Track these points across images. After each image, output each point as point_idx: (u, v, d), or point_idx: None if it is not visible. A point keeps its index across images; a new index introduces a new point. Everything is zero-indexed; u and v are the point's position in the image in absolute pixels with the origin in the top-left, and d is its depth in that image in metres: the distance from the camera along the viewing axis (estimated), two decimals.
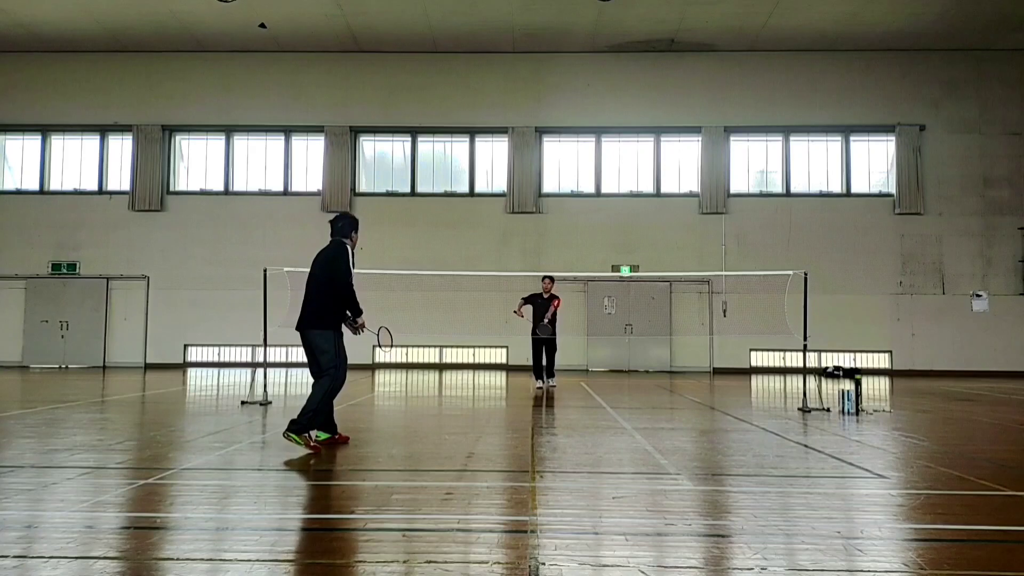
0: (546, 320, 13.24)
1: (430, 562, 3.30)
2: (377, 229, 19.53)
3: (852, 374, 10.36)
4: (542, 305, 13.44)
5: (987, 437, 7.84)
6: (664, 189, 19.80)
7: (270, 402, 10.05)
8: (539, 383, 13.27)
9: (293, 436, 6.05)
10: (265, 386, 10.24)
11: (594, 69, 19.70)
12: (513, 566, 3.26)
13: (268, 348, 10.73)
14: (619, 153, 20.02)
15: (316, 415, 6.17)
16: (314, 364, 6.30)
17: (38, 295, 19.63)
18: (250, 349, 19.21)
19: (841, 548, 3.58)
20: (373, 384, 14.31)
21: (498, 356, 19.46)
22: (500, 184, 19.91)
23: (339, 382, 6.37)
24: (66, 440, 6.74)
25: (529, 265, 18.82)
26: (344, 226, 6.61)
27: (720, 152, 19.51)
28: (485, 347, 19.40)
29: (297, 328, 6.36)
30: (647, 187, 19.84)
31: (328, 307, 6.27)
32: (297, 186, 20.16)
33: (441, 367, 19.33)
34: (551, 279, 13.78)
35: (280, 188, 20.12)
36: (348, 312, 6.34)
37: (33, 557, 3.33)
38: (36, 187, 20.27)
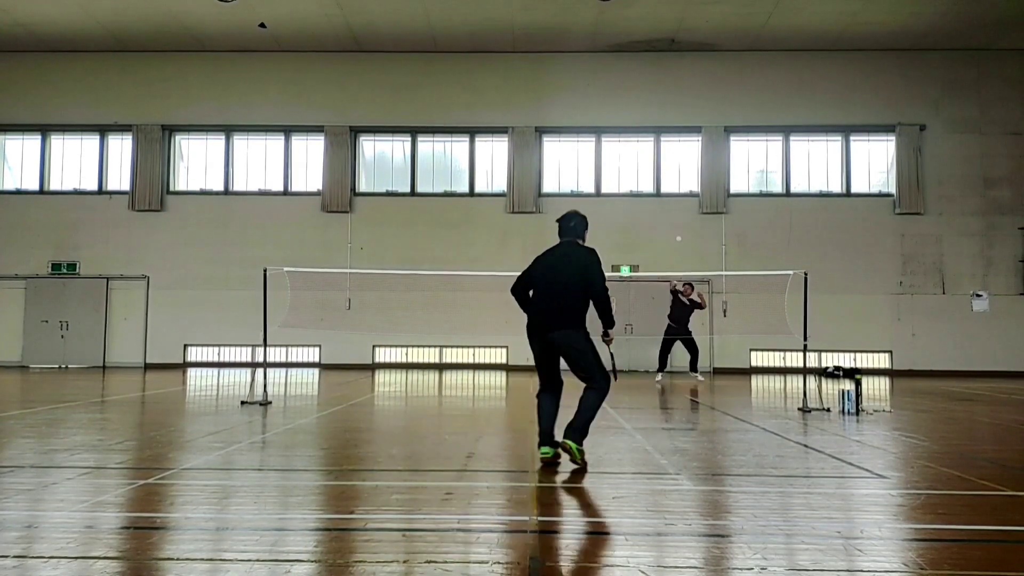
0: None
1: (430, 562, 3.30)
2: (377, 229, 19.57)
3: (852, 374, 10.36)
4: (679, 305, 14.93)
5: (987, 437, 7.84)
6: (664, 189, 19.79)
7: (270, 402, 10.04)
8: (659, 376, 14.72)
9: (572, 445, 5.46)
10: (265, 386, 10.23)
11: (594, 69, 19.69)
12: (513, 566, 3.26)
13: (268, 348, 10.72)
14: (619, 153, 20.01)
15: (590, 423, 5.63)
16: (580, 368, 5.76)
17: (38, 295, 19.62)
18: (250, 349, 19.18)
19: (841, 548, 3.58)
20: (373, 384, 14.31)
21: (498, 356, 19.46)
22: (500, 184, 19.90)
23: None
24: (66, 440, 6.73)
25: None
26: (577, 225, 6.26)
27: (720, 152, 19.50)
28: (485, 347, 19.40)
29: (546, 332, 5.76)
30: (647, 187, 19.83)
31: (582, 309, 5.83)
32: (297, 186, 20.15)
33: (441, 367, 19.33)
34: (691, 285, 15.22)
35: (280, 188, 20.11)
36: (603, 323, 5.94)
37: (33, 557, 3.33)
38: (36, 187, 20.26)
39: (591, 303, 5.83)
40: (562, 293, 5.78)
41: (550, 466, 5.58)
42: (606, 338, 6.00)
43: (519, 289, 6.06)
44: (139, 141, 19.76)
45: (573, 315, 5.74)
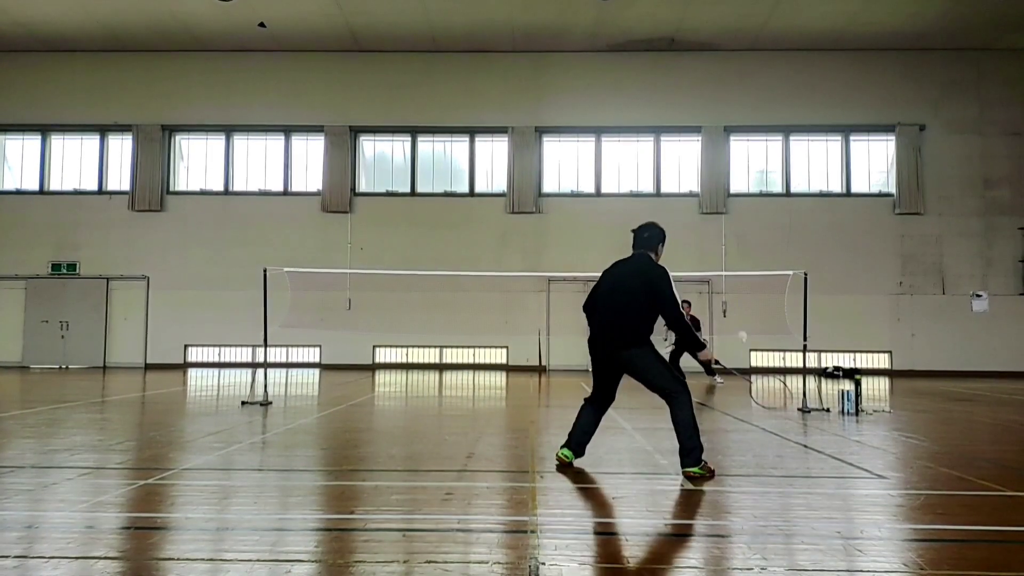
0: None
1: (430, 562, 3.30)
2: (377, 229, 19.57)
3: (852, 374, 10.36)
4: None
5: (987, 437, 7.84)
6: (664, 189, 19.80)
7: (270, 402, 10.05)
8: None
9: (692, 471, 5.21)
10: (265, 386, 10.24)
11: (594, 68, 19.69)
12: (513, 566, 3.26)
13: (268, 348, 10.72)
14: (619, 153, 20.02)
15: (697, 434, 5.31)
16: (651, 386, 5.54)
17: (38, 295, 19.62)
18: (250, 349, 19.21)
19: (841, 548, 3.58)
20: (373, 384, 14.31)
21: (498, 356, 19.44)
22: (500, 184, 19.91)
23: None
24: (66, 440, 6.74)
25: (529, 265, 18.80)
26: (651, 237, 5.71)
27: (720, 152, 19.51)
28: (485, 347, 19.39)
29: (608, 351, 5.56)
30: (647, 187, 19.83)
31: (647, 326, 5.48)
32: (297, 186, 20.16)
33: (441, 367, 19.33)
34: (688, 303, 14.45)
35: (280, 188, 20.12)
36: (688, 347, 5.69)
37: (33, 557, 3.33)
38: (36, 187, 20.27)
39: (658, 320, 5.48)
40: (624, 308, 5.45)
41: (564, 468, 5.57)
42: (697, 359, 5.73)
43: (589, 306, 5.79)
44: (139, 141, 19.77)
45: (635, 332, 5.42)
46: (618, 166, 19.96)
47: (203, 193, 20.10)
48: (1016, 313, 18.91)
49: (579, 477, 5.28)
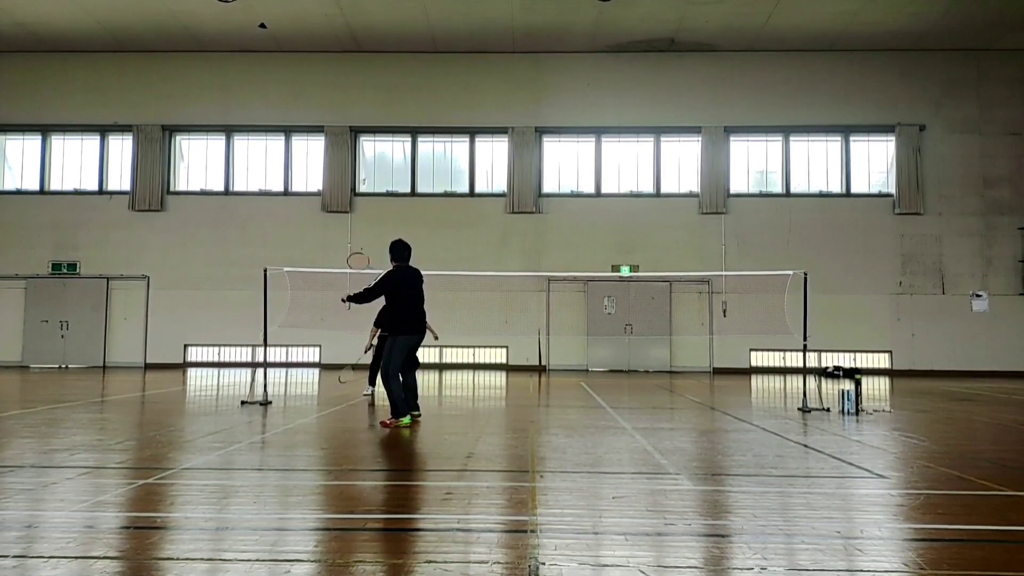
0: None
1: (430, 562, 3.30)
2: (377, 229, 19.54)
3: (852, 374, 10.37)
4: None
5: (987, 437, 7.84)
6: (664, 189, 19.80)
7: (270, 402, 10.05)
8: (369, 390, 11.97)
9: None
10: (265, 386, 10.24)
11: (594, 69, 19.70)
12: (513, 566, 3.26)
13: (268, 348, 10.71)
14: (619, 153, 20.02)
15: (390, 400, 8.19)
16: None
17: (38, 295, 19.62)
18: (250, 349, 19.21)
19: (841, 548, 3.58)
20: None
21: (498, 356, 19.45)
22: (500, 184, 19.90)
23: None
24: (66, 440, 6.73)
25: (529, 265, 18.81)
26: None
27: (720, 152, 19.50)
28: (485, 347, 19.39)
29: (419, 331, 8.40)
30: (647, 187, 19.83)
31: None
32: (297, 186, 20.16)
33: (441, 367, 19.32)
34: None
35: (280, 188, 20.12)
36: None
37: (33, 557, 3.33)
38: (36, 187, 20.27)
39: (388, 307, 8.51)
40: (422, 304, 8.51)
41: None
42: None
43: (403, 297, 8.37)
44: (139, 141, 19.76)
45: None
46: (618, 166, 19.96)
47: (203, 193, 20.10)
48: (1016, 313, 18.91)
49: (579, 477, 5.28)
